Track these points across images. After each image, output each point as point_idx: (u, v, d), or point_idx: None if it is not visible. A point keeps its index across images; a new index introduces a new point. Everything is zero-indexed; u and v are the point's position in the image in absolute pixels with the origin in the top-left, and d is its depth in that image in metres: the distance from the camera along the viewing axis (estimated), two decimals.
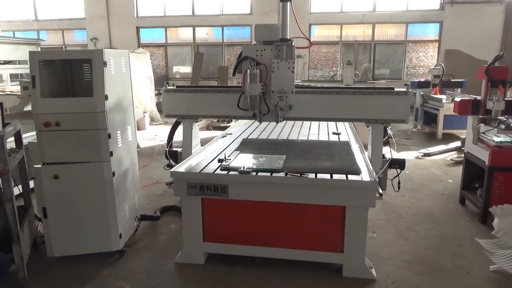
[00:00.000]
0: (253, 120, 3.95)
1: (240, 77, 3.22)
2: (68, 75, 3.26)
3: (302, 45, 3.34)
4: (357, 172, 3.12)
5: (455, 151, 7.43)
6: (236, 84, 5.78)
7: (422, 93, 9.53)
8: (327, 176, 3.07)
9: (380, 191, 3.09)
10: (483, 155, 4.19)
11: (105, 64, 3.12)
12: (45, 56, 3.20)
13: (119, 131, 3.46)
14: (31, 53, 3.14)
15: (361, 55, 14.66)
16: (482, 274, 3.26)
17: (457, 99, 4.65)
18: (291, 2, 3.12)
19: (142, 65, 10.71)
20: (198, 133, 3.99)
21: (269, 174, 3.11)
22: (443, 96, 9.03)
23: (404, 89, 3.27)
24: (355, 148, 3.98)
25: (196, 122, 3.75)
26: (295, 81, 3.14)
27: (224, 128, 6.79)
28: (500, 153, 4.06)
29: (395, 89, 3.31)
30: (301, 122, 5.28)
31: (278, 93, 3.10)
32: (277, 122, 3.35)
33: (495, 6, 13.19)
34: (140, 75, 10.46)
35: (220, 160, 3.40)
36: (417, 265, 3.40)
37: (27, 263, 3.19)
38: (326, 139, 4.45)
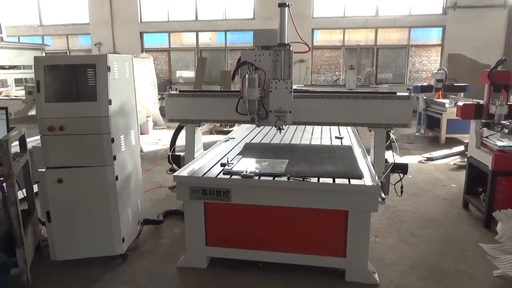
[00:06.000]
0: None
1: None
2: (72, 80, 3.29)
3: (301, 50, 3.36)
4: (360, 176, 3.12)
5: (459, 156, 7.41)
6: (238, 89, 5.82)
7: (425, 97, 9.51)
8: (330, 180, 3.07)
9: (383, 195, 3.10)
10: (486, 160, 4.18)
11: (108, 69, 3.15)
12: (49, 61, 3.23)
13: (122, 136, 3.48)
14: (36, 58, 3.17)
15: (363, 60, 14.67)
16: (486, 279, 3.25)
17: (460, 103, 4.65)
18: (289, 7, 3.15)
19: (145, 69, 10.76)
20: (201, 137, 4.00)
21: (271, 178, 3.11)
22: (446, 101, 9.01)
23: (407, 94, 3.27)
24: (358, 152, 3.98)
25: (199, 126, 3.76)
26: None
27: (227, 133, 6.80)
28: (503, 157, 4.05)
29: (397, 94, 3.32)
30: (304, 126, 5.29)
31: (276, 113, 3.13)
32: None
33: (498, 10, 13.19)
34: (144, 79, 10.51)
35: (222, 164, 3.41)
36: (420, 270, 3.38)
37: (31, 266, 3.20)
38: (329, 143, 4.45)
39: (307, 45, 3.21)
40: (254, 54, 3.14)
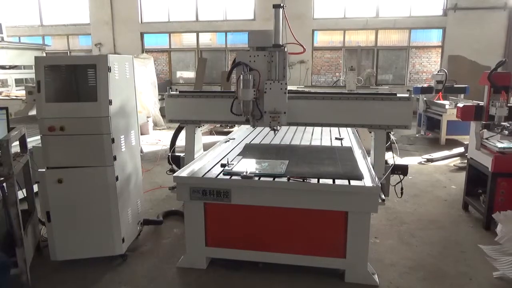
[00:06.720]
0: None
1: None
2: (72, 80, 3.29)
3: (299, 51, 3.36)
4: (360, 177, 3.13)
5: (459, 157, 7.41)
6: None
7: (425, 98, 9.51)
8: (330, 181, 3.07)
9: (383, 196, 3.10)
10: (486, 161, 4.18)
11: (109, 69, 3.16)
12: (50, 62, 3.23)
13: (122, 136, 3.48)
14: (36, 58, 3.17)
15: (364, 61, 14.66)
16: (486, 280, 3.25)
17: (460, 104, 4.65)
18: (283, 8, 3.16)
19: (146, 70, 10.77)
20: (201, 138, 4.01)
21: (271, 179, 3.12)
22: (446, 102, 9.01)
23: (407, 95, 3.28)
24: (358, 153, 3.98)
25: (199, 127, 3.77)
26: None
27: (227, 133, 6.81)
28: (503, 159, 4.05)
29: (398, 95, 3.32)
30: (304, 127, 5.29)
31: (271, 114, 3.14)
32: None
33: (498, 12, 13.20)
34: (144, 80, 10.52)
35: (222, 165, 3.41)
36: (419, 271, 3.38)
37: (31, 266, 3.20)
38: (329, 144, 4.45)
39: (302, 46, 3.22)
40: (249, 55, 3.15)
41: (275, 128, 3.31)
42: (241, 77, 3.07)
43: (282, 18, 3.17)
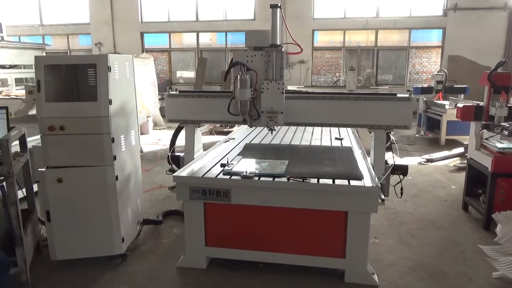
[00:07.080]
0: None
1: None
2: (72, 79, 3.29)
3: (295, 51, 3.36)
4: (360, 177, 3.13)
5: (458, 157, 7.41)
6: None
7: (425, 99, 9.51)
8: (330, 181, 3.07)
9: (383, 196, 3.10)
10: (486, 161, 4.18)
11: (109, 69, 3.16)
12: (50, 61, 3.23)
13: (122, 135, 3.48)
14: (36, 58, 3.17)
15: (364, 61, 14.67)
16: (485, 281, 3.25)
17: (460, 105, 4.65)
18: (280, 8, 3.16)
19: (146, 70, 10.77)
20: (201, 138, 4.01)
21: (271, 179, 3.12)
22: (446, 102, 9.01)
23: (407, 95, 3.28)
24: (358, 153, 3.98)
25: (199, 127, 3.77)
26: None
27: (227, 133, 6.81)
28: (503, 159, 4.05)
29: (398, 95, 3.32)
30: (304, 127, 5.29)
31: (268, 114, 3.14)
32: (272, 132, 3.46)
33: (498, 12, 13.20)
34: (144, 80, 10.52)
35: (222, 165, 3.41)
36: (419, 271, 3.38)
37: (30, 266, 3.20)
38: (329, 144, 4.45)
39: (299, 46, 3.22)
40: (246, 55, 3.15)
41: (272, 128, 3.31)
42: (239, 77, 3.07)
43: (280, 18, 3.16)
